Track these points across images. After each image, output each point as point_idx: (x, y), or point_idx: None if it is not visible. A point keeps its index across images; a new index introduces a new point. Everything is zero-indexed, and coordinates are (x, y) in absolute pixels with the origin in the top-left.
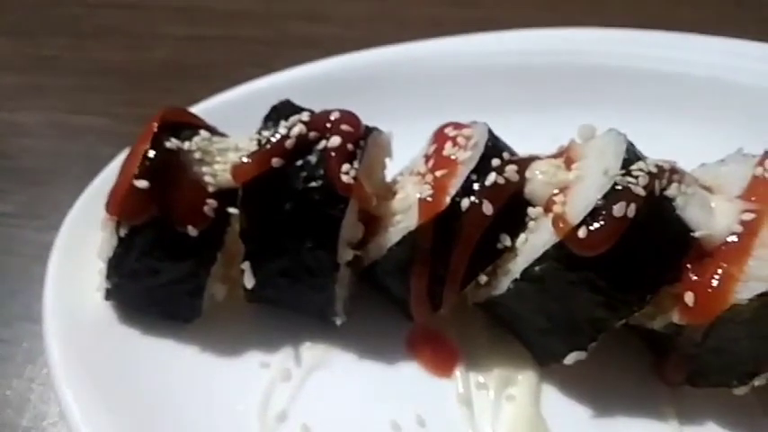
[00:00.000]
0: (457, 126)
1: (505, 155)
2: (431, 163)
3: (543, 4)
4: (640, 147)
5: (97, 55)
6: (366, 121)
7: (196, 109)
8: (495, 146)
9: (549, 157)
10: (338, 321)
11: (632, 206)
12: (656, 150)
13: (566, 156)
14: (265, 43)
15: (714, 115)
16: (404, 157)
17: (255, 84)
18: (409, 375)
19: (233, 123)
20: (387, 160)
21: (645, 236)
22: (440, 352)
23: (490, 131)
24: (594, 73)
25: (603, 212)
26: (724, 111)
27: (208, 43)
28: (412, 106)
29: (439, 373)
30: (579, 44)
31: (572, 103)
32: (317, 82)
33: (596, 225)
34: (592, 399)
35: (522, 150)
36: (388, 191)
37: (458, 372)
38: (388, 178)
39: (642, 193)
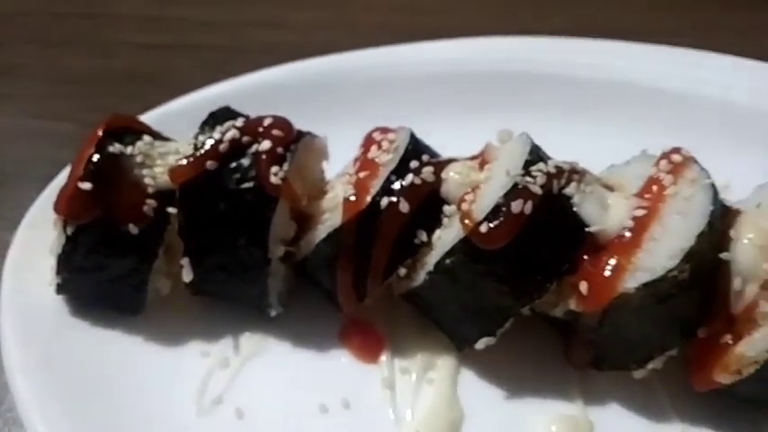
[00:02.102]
0: (383, 131)
1: (425, 157)
2: (357, 165)
3: (492, 13)
4: (563, 149)
5: (63, 63)
6: (315, 125)
7: (151, 114)
8: (415, 149)
9: (465, 159)
10: (272, 312)
11: (529, 203)
12: (576, 152)
13: (481, 158)
14: (224, 51)
15: (631, 118)
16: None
17: (208, 90)
18: (339, 362)
19: (185, 128)
20: (324, 163)
21: (542, 230)
22: (367, 340)
23: (412, 135)
24: (526, 79)
25: (503, 209)
26: (643, 114)
27: (168, 51)
28: (361, 111)
29: (366, 359)
30: (513, 52)
31: (506, 107)
32: (268, 89)
33: (496, 221)
34: (505, 381)
35: (457, 153)
36: (321, 191)
37: (384, 358)
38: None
39: (539, 191)
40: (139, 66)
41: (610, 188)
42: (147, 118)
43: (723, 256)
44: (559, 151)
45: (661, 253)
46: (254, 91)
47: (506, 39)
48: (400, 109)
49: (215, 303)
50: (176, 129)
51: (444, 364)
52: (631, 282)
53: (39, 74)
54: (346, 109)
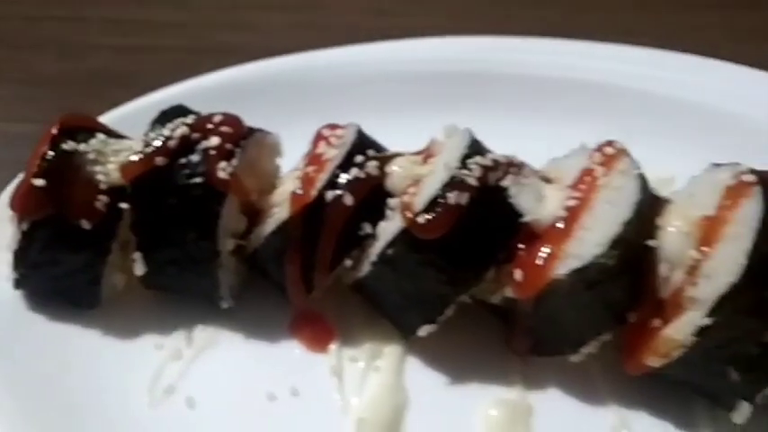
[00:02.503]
0: (332, 127)
1: (370, 152)
2: (306, 160)
3: (453, 14)
4: (513, 144)
5: (33, 66)
6: (276, 122)
7: (113, 114)
8: (361, 144)
9: (410, 153)
10: (224, 305)
11: (465, 195)
12: (526, 147)
13: (426, 152)
14: (192, 52)
15: (582, 114)
16: None
17: (170, 89)
18: (289, 352)
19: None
20: (279, 159)
21: (478, 221)
22: (317, 330)
23: (359, 131)
24: (481, 77)
25: (441, 201)
26: (593, 110)
27: (137, 53)
28: (322, 109)
29: (315, 349)
30: (468, 52)
31: (463, 105)
32: (230, 87)
33: (433, 212)
34: (449, 368)
35: (415, 149)
36: (272, 186)
37: (333, 347)
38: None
39: (475, 183)
40: (109, 68)
41: (548, 180)
42: (109, 117)
43: (651, 243)
44: (510, 146)
45: (590, 241)
46: (217, 90)
47: (462, 39)
48: (362, 107)
49: (169, 297)
50: (139, 127)
51: (391, 352)
52: (562, 269)
53: (8, 77)
54: (307, 107)
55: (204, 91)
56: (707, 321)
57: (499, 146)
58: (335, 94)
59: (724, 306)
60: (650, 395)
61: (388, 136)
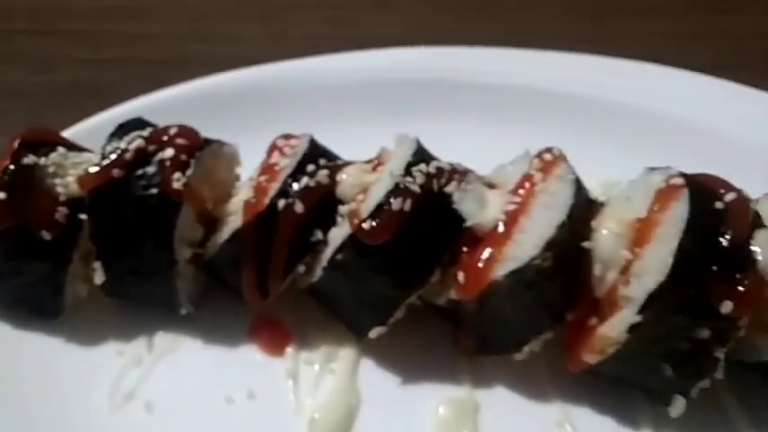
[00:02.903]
0: (287, 137)
1: (322, 161)
2: (260, 170)
3: (412, 24)
4: (465, 151)
5: (6, 78)
6: (242, 133)
7: (79, 127)
8: (313, 153)
9: (361, 162)
10: (183, 311)
11: (408, 201)
12: (476, 154)
13: (376, 161)
14: (163, 64)
15: (533, 122)
16: None
17: (134, 102)
18: (246, 357)
19: None
20: (238, 169)
21: (422, 226)
22: (274, 335)
23: (312, 141)
24: (437, 86)
25: (385, 208)
26: (544, 118)
27: (109, 65)
28: (285, 119)
29: (273, 353)
30: (423, 62)
31: (420, 113)
32: (194, 99)
33: (378, 218)
34: (401, 369)
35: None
36: (229, 195)
37: (289, 351)
38: None
39: (418, 190)
40: (81, 80)
41: (492, 186)
42: (76, 129)
43: (585, 244)
44: (463, 153)
45: (527, 243)
46: (182, 101)
47: (417, 49)
48: (324, 116)
49: (131, 304)
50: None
51: (346, 354)
52: (501, 270)
53: None
54: (272, 117)
55: (170, 102)
56: (638, 319)
57: (452, 153)
58: (299, 105)
59: (654, 304)
60: (593, 391)
61: (347, 145)
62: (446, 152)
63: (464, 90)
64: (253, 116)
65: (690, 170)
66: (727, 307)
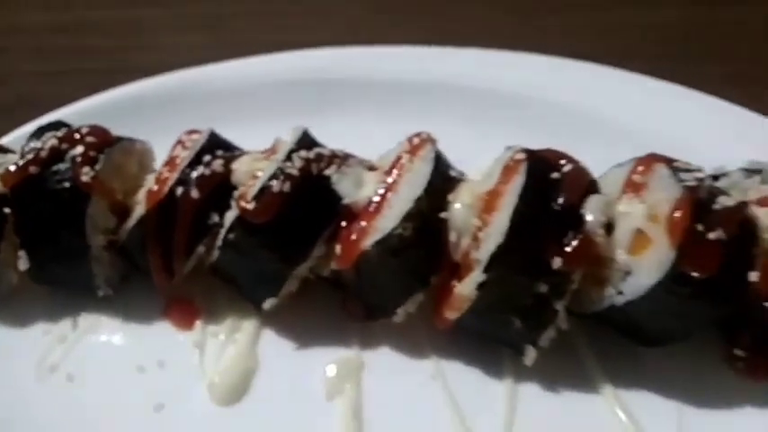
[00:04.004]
0: (190, 132)
1: (219, 152)
2: (164, 162)
3: (349, 27)
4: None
5: None
6: (167, 131)
7: (21, 131)
8: (211, 145)
9: (256, 152)
10: (101, 293)
11: (287, 183)
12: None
13: (270, 150)
14: (108, 74)
15: (437, 113)
16: None
17: (69, 108)
18: (160, 332)
19: None
20: (153, 163)
21: (302, 205)
22: (185, 311)
23: (211, 134)
24: (352, 84)
25: (267, 190)
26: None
27: (55, 77)
28: (208, 119)
29: (183, 327)
30: (341, 61)
31: (333, 110)
32: (126, 102)
33: (260, 200)
34: (297, 336)
35: None
36: (140, 187)
37: (198, 325)
38: None
39: (297, 173)
40: (31, 93)
41: (373, 168)
42: (15, 135)
43: (442, 215)
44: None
45: (390, 216)
46: (111, 105)
47: (336, 49)
48: (245, 114)
49: (58, 290)
50: None
51: (248, 326)
52: (369, 241)
53: None
54: (194, 117)
55: (100, 108)
56: (484, 277)
57: (364, 145)
58: (222, 104)
59: (496, 263)
60: (463, 347)
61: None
62: (356, 145)
63: (369, 87)
64: (177, 116)
65: (571, 149)
66: (557, 263)
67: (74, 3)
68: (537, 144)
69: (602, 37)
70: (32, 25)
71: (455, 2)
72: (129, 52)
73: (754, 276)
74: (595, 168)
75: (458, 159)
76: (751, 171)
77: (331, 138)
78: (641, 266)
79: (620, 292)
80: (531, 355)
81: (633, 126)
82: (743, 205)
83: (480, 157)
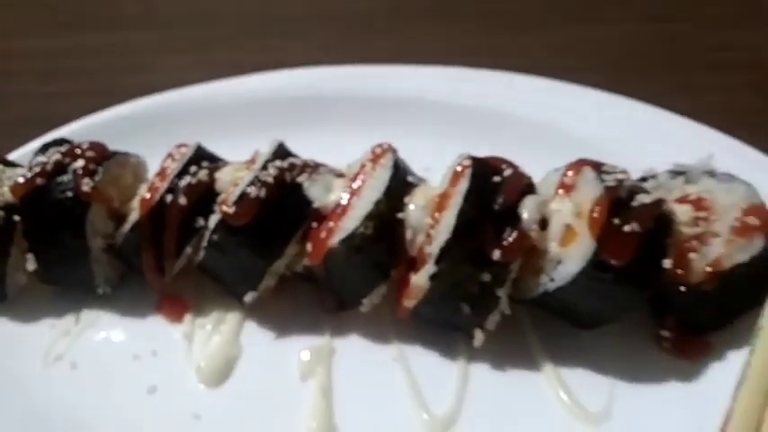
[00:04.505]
0: (179, 146)
1: (204, 163)
2: (156, 173)
3: (319, 51)
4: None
5: None
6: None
7: (24, 149)
8: (197, 157)
9: (239, 163)
10: (100, 291)
11: (263, 189)
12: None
13: (251, 161)
14: (102, 95)
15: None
16: None
17: (70, 126)
18: (153, 325)
19: None
20: (147, 175)
21: (276, 208)
22: (176, 306)
23: (198, 147)
24: (327, 102)
25: (245, 195)
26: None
27: (56, 99)
28: (191, 135)
29: (174, 320)
30: (316, 80)
31: (305, 126)
32: (122, 121)
33: (239, 204)
34: (276, 327)
35: None
36: (134, 195)
37: (187, 318)
38: None
39: (272, 180)
40: (31, 112)
41: (341, 175)
42: (21, 152)
43: (399, 215)
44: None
45: (355, 217)
46: (109, 124)
47: (314, 69)
48: (230, 131)
49: (62, 289)
50: None
51: (231, 318)
52: (336, 239)
53: None
54: (184, 133)
55: (97, 125)
56: (435, 269)
57: (336, 155)
58: (208, 121)
59: (445, 256)
60: (423, 334)
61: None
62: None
63: (341, 102)
64: (167, 131)
65: (519, 157)
66: (497, 255)
67: (71, 29)
68: (491, 152)
69: (555, 53)
70: (33, 50)
71: (419, 23)
72: (122, 74)
73: (668, 264)
74: (539, 173)
75: (424, 167)
76: (676, 173)
77: (305, 149)
78: (569, 256)
79: (552, 279)
80: (479, 338)
81: (577, 135)
82: (659, 202)
83: (444, 165)
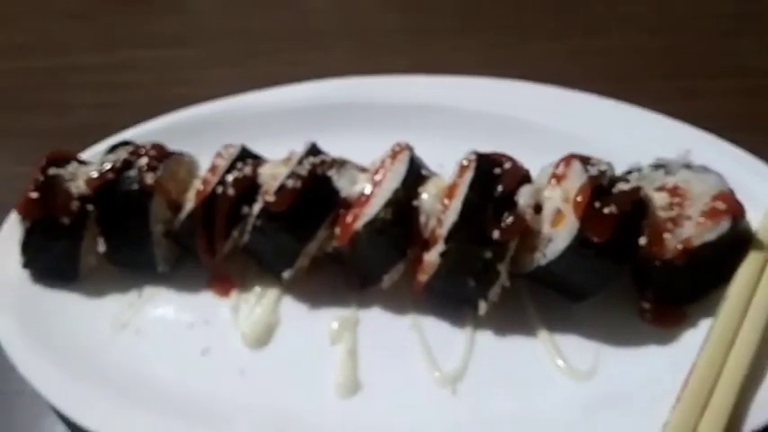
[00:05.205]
0: (227, 146)
1: (249, 161)
2: (208, 169)
3: (347, 63)
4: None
5: (34, 123)
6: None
7: (93, 150)
8: (243, 156)
9: (278, 160)
10: (160, 269)
11: (299, 182)
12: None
13: (288, 158)
14: (150, 105)
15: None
16: None
17: (132, 131)
18: (205, 299)
19: None
20: (198, 171)
21: (310, 198)
22: (224, 283)
23: (243, 148)
24: (350, 109)
25: (283, 187)
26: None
27: (110, 109)
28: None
29: (222, 294)
30: (341, 90)
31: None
32: (174, 127)
33: (279, 194)
34: (309, 300)
35: None
36: (188, 188)
37: (234, 293)
38: None
39: (305, 174)
40: (89, 121)
41: (364, 170)
42: (91, 152)
43: (414, 203)
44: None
45: (376, 204)
46: (164, 129)
47: (347, 79)
48: (268, 135)
49: (127, 269)
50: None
51: (271, 293)
52: (360, 223)
53: (16, 132)
54: (228, 137)
55: (155, 130)
56: (444, 248)
57: (361, 153)
58: (249, 126)
59: (453, 237)
60: (434, 304)
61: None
62: (352, 153)
63: (366, 109)
64: (214, 135)
65: (521, 154)
66: (497, 235)
67: (118, 45)
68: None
69: (565, 62)
70: (89, 65)
71: (435, 37)
72: (169, 86)
73: (643, 241)
74: (537, 168)
75: (438, 164)
76: (658, 166)
77: (334, 148)
78: (558, 235)
79: (545, 255)
80: (483, 308)
81: (573, 135)
82: (636, 189)
83: (454, 162)
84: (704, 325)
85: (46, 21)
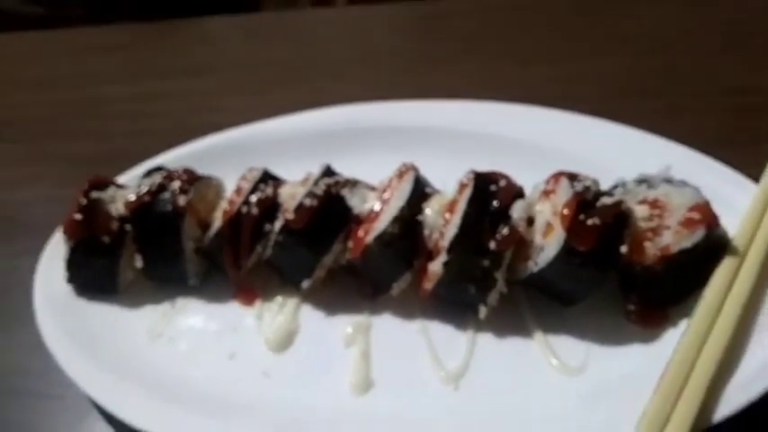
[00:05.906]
0: (250, 170)
1: (270, 182)
2: (234, 191)
3: (363, 86)
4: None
5: (73, 149)
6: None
7: (129, 175)
8: (265, 178)
9: (295, 182)
10: (191, 283)
11: (315, 200)
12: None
13: (306, 180)
14: (178, 132)
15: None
16: None
17: (160, 157)
18: (231, 308)
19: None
20: (225, 193)
21: (325, 215)
22: (248, 294)
23: (264, 171)
24: (359, 132)
25: (302, 205)
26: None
27: (142, 136)
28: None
29: (247, 304)
30: (348, 116)
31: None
32: (201, 152)
33: (297, 212)
34: (325, 308)
35: None
36: (216, 208)
37: (258, 303)
38: None
39: (321, 192)
40: (123, 148)
41: (373, 189)
42: (127, 176)
43: (419, 218)
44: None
45: (385, 220)
46: (191, 155)
47: (359, 105)
48: (290, 159)
49: (161, 283)
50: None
51: (291, 302)
52: (371, 237)
53: (59, 157)
54: (254, 160)
55: (186, 155)
56: (446, 258)
57: (371, 174)
58: (270, 150)
59: (454, 248)
60: (439, 310)
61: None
62: (362, 174)
63: (382, 135)
64: (238, 160)
65: (517, 173)
66: (493, 245)
67: (149, 76)
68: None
69: (559, 85)
70: (119, 95)
71: (440, 64)
72: (195, 114)
73: (625, 250)
74: (531, 183)
75: (441, 182)
76: (641, 181)
77: (347, 169)
78: (548, 245)
79: (536, 264)
80: (483, 312)
81: (565, 154)
82: (618, 203)
83: (456, 180)
84: (684, 325)
85: (83, 55)
